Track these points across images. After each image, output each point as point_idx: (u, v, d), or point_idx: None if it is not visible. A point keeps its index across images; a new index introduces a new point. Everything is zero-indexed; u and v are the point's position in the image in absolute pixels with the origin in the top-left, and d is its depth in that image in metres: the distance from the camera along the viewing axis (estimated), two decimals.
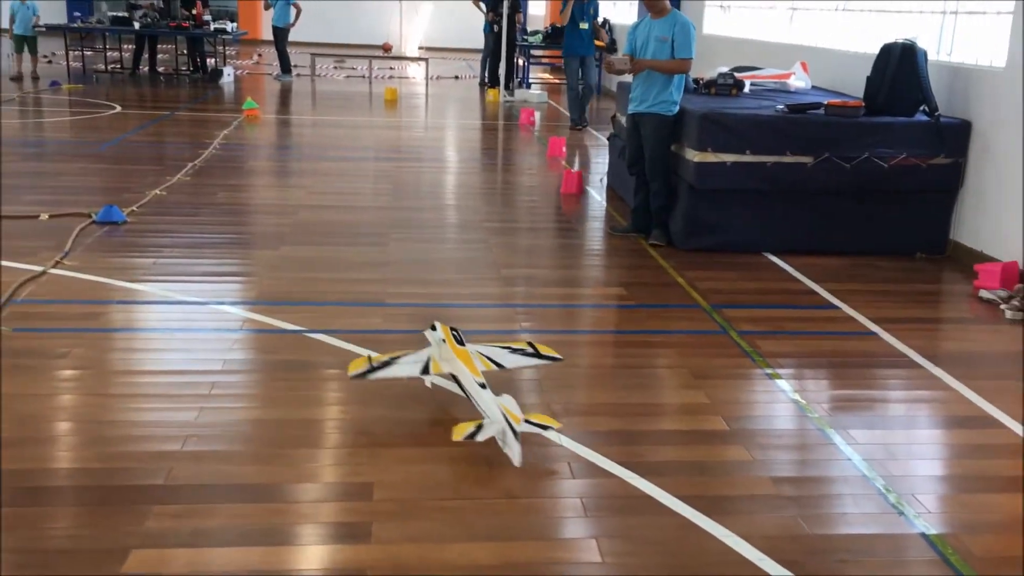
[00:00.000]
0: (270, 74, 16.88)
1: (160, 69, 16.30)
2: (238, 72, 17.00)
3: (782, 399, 3.90)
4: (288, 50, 16.08)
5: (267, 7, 15.97)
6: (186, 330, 4.43)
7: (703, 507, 2.97)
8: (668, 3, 6.24)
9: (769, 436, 3.56)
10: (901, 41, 6.22)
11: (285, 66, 15.95)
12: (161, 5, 16.03)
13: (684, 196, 6.24)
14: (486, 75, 16.03)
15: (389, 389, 3.77)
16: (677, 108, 6.23)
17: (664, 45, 6.11)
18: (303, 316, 4.60)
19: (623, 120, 7.63)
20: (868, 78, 6.35)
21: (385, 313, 4.79)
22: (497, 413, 3.27)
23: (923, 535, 2.89)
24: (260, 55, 21.24)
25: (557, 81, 18.73)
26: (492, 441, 3.20)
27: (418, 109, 13.72)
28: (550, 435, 3.39)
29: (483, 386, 3.44)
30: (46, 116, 11.07)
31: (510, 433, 3.19)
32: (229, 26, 15.84)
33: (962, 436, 3.67)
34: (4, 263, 5.11)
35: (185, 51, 16.63)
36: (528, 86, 16.28)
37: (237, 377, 3.91)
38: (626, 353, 4.50)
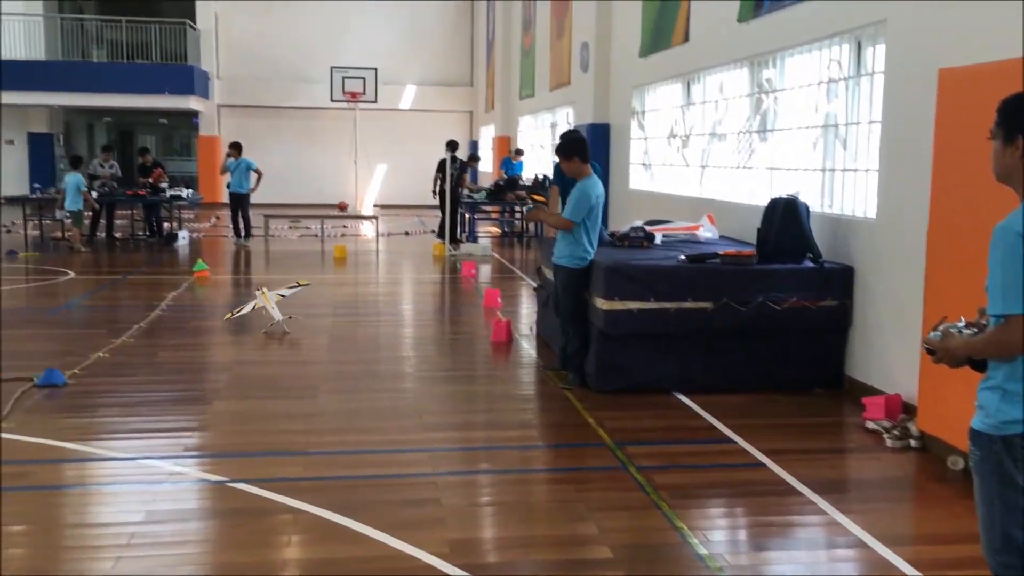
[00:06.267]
0: (227, 236, 17.47)
1: (117, 235, 16.82)
2: (194, 235, 17.58)
3: (666, 526, 4.22)
4: (249, 214, 16.52)
5: (223, 172, 16.61)
6: (112, 484, 4.69)
7: None
8: (582, 167, 6.81)
9: (649, 562, 3.87)
10: (784, 196, 6.87)
11: (245, 230, 16.29)
12: (119, 175, 16.70)
13: (596, 341, 6.69)
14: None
15: (314, 533, 4.06)
16: (586, 261, 6.75)
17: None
18: (227, 467, 4.89)
19: (548, 271, 8.19)
20: (758, 229, 6.97)
21: (306, 461, 5.08)
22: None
23: None
24: (218, 217, 21.94)
25: (501, 233, 19.53)
26: None
27: (366, 265, 14.28)
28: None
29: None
30: (2, 285, 11.42)
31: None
32: (184, 192, 16.49)
33: (825, 556, 3.99)
34: None
35: (142, 216, 17.21)
36: (474, 240, 16.99)
37: (157, 527, 4.15)
38: (529, 490, 4.81)
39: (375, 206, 26.52)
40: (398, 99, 27.06)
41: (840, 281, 6.63)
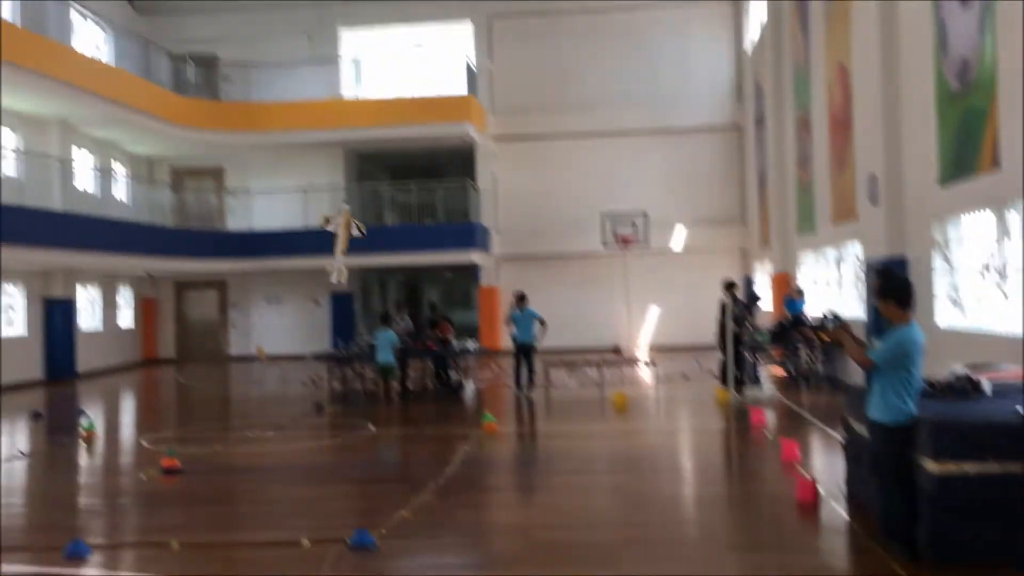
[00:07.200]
0: (507, 384, 17.88)
1: (409, 386, 17.66)
2: (479, 385, 18.15)
3: None
4: (534, 364, 16.49)
5: (508, 323, 16.97)
6: None
7: None
8: (899, 312, 6.19)
9: None
10: None
11: (528, 380, 16.32)
12: (412, 329, 17.72)
13: (927, 507, 5.93)
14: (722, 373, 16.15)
15: None
16: (907, 417, 6.08)
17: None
18: None
19: (857, 425, 7.51)
20: None
21: None
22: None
23: None
24: (499, 366, 22.61)
25: (787, 376, 18.55)
26: None
27: (647, 413, 13.99)
28: None
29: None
30: (310, 440, 12.24)
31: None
32: (470, 344, 17.17)
33: None
34: None
35: (432, 369, 18.04)
36: (759, 383, 16.26)
37: None
38: None
39: (650, 348, 26.38)
40: (669, 240, 27.15)
41: None
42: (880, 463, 6.21)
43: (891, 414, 6.10)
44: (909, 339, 6.04)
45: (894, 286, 6.25)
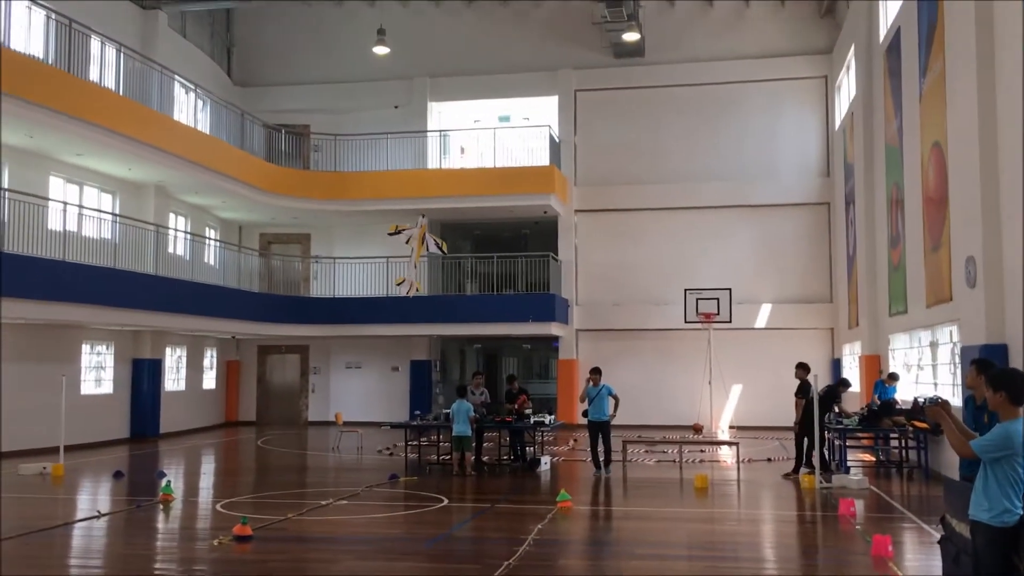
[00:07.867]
0: (583, 460, 17.51)
1: (484, 459, 17.42)
2: (554, 459, 17.82)
3: None
4: (611, 441, 15.95)
5: (583, 399, 16.62)
6: None
7: None
8: (1008, 406, 5.78)
9: None
10: None
11: (605, 458, 15.80)
12: (489, 401, 17.54)
13: None
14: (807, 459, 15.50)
15: None
16: (1014, 518, 5.66)
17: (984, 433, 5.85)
18: None
19: (953, 523, 7.03)
20: None
21: None
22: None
23: None
24: (575, 440, 22.23)
25: (873, 460, 17.76)
26: None
27: (729, 497, 13.48)
28: None
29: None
30: (383, 511, 12.09)
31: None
32: (547, 418, 16.90)
33: None
34: None
35: (507, 441, 17.79)
36: (847, 470, 15.58)
37: None
38: None
39: (730, 427, 25.66)
40: (753, 318, 26.58)
41: None
42: (982, 566, 5.77)
43: (995, 514, 5.68)
44: (1018, 434, 5.65)
45: (1010, 379, 5.86)
